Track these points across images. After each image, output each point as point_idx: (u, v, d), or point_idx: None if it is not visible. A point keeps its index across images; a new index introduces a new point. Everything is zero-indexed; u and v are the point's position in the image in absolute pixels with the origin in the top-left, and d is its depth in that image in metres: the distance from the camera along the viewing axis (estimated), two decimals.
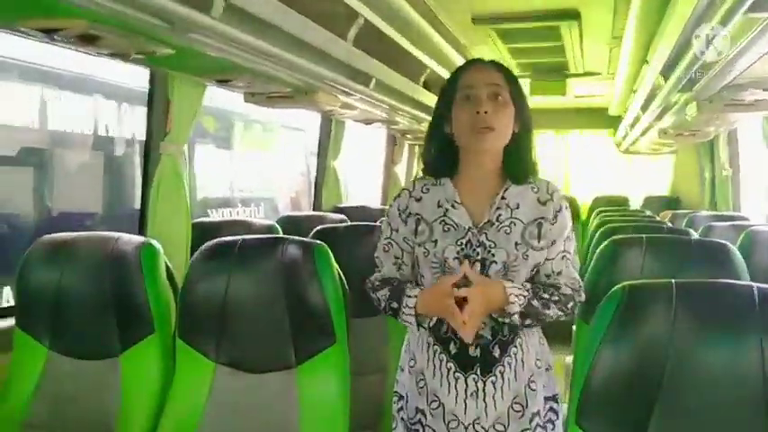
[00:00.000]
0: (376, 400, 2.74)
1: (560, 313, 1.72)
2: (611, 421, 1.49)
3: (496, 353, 1.70)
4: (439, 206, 1.76)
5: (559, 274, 1.76)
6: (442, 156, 1.79)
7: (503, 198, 1.73)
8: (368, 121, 4.90)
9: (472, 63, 1.79)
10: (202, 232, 3.30)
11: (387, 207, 5.53)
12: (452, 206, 1.74)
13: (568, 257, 1.77)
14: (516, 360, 1.72)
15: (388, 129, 5.98)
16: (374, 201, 6.98)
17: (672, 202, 8.31)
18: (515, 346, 1.72)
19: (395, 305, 1.76)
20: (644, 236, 2.47)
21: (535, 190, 1.75)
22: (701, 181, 7.31)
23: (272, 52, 2.50)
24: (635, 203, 8.88)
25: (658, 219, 5.26)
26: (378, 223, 3.99)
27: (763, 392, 1.36)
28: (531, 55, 4.89)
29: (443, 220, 1.74)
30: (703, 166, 7.09)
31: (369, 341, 2.73)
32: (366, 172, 7.86)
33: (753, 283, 1.46)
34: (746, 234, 3.22)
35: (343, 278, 2.22)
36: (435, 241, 1.73)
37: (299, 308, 2.15)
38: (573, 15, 3.75)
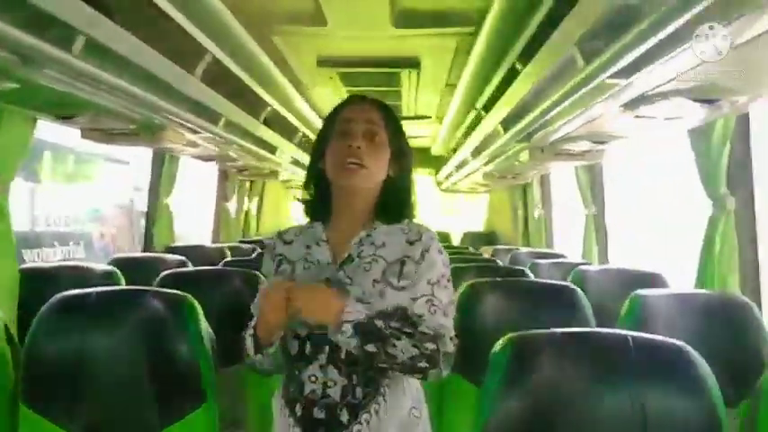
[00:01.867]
0: None
1: (415, 352, 1.50)
2: None
3: (344, 417, 1.54)
4: (306, 246, 1.68)
5: (420, 317, 1.57)
6: (318, 196, 1.72)
7: (368, 235, 1.65)
8: (207, 158, 4.75)
9: (352, 99, 1.71)
10: (32, 280, 3.01)
11: (222, 245, 5.43)
12: (317, 244, 1.67)
13: (435, 304, 1.58)
14: (369, 429, 1.55)
15: (221, 164, 5.83)
16: (200, 236, 6.77)
17: (488, 237, 8.89)
18: (369, 413, 1.55)
19: (249, 342, 1.61)
20: (498, 279, 2.59)
21: (406, 231, 1.66)
22: (515, 218, 7.89)
23: (127, 89, 2.36)
24: (455, 238, 9.39)
25: (487, 256, 5.56)
26: (221, 267, 3.88)
27: None
28: None
29: (305, 258, 1.66)
30: (517, 204, 7.66)
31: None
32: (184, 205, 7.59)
33: (627, 332, 1.59)
34: (576, 272, 3.52)
35: (213, 336, 2.12)
36: (293, 280, 1.62)
37: (165, 366, 2.01)
38: (414, 63, 3.91)
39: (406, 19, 3.00)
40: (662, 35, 1.50)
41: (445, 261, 1.66)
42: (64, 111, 2.66)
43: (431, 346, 1.52)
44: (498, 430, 1.56)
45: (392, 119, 1.69)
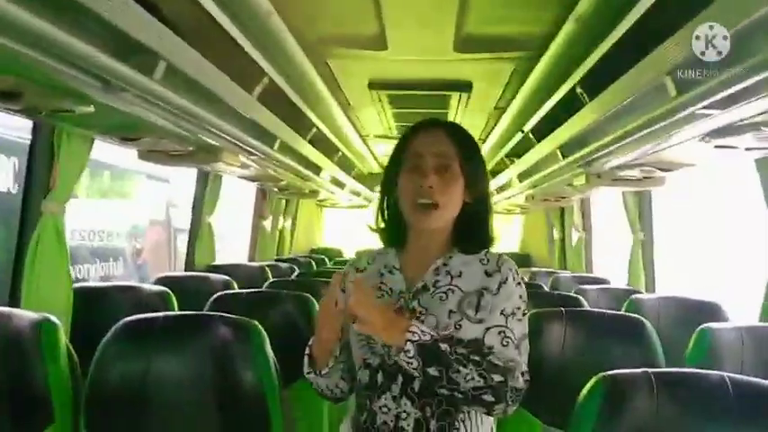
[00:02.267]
0: None
1: (480, 383, 1.43)
2: None
3: None
4: (379, 273, 1.64)
5: (491, 348, 1.51)
6: (391, 224, 1.68)
7: (444, 264, 1.60)
8: (254, 179, 4.74)
9: (422, 126, 1.63)
10: (84, 299, 3.00)
11: (262, 263, 5.42)
12: (390, 272, 1.63)
13: (508, 336, 1.52)
14: None
15: (260, 183, 5.84)
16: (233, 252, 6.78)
17: (523, 259, 8.79)
18: None
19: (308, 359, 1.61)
20: (563, 309, 2.52)
21: (484, 261, 1.60)
22: (551, 240, 7.79)
23: (194, 111, 2.35)
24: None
25: (537, 283, 5.47)
26: (267, 287, 3.85)
27: None
28: (414, 118, 4.93)
29: (379, 287, 1.61)
30: (553, 226, 7.57)
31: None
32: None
33: (723, 373, 1.53)
34: (631, 301, 3.44)
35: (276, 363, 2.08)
36: None
37: (231, 394, 1.98)
38: (466, 87, 3.87)
39: (468, 44, 2.96)
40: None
41: (523, 294, 1.60)
42: (128, 133, 2.66)
43: (498, 378, 1.45)
44: None
45: (465, 143, 1.62)
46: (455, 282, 1.57)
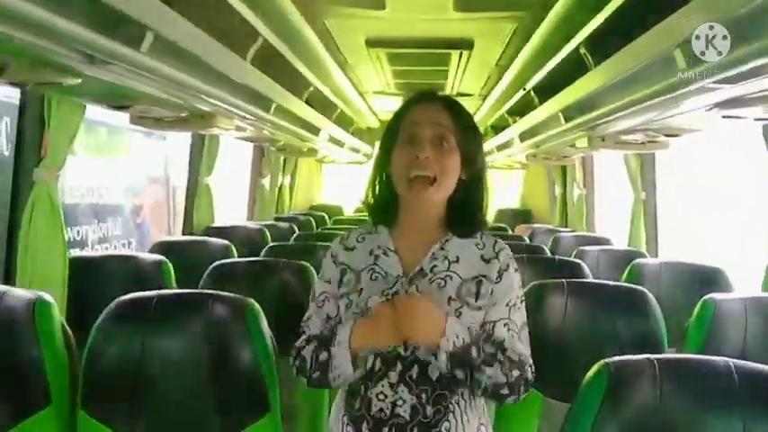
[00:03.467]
0: None
1: (502, 380, 1.46)
2: None
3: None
4: (371, 254, 1.59)
5: (502, 342, 1.53)
6: (381, 200, 1.62)
7: (441, 248, 1.57)
8: (252, 140, 4.67)
9: (419, 98, 1.58)
10: (80, 269, 2.97)
11: (260, 223, 5.37)
12: (384, 253, 1.58)
13: (512, 328, 1.55)
14: None
15: (260, 143, 5.76)
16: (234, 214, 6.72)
17: (523, 215, 8.75)
18: (437, 428, 1.49)
19: (323, 356, 1.52)
20: (564, 281, 2.48)
21: (480, 246, 1.58)
22: (551, 196, 7.73)
23: (183, 80, 2.26)
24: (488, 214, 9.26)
25: (535, 243, 5.45)
26: (266, 254, 3.81)
27: None
28: (413, 76, 4.88)
29: (372, 269, 1.57)
30: (554, 182, 7.49)
31: None
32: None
33: (728, 360, 1.50)
34: (633, 266, 3.41)
35: (273, 339, 2.04)
36: (360, 290, 1.55)
37: (228, 374, 1.95)
38: (467, 45, 3.76)
39: (469, 1, 2.86)
40: None
41: (519, 280, 1.60)
42: (118, 101, 2.59)
43: (516, 373, 1.48)
44: None
45: (463, 119, 1.57)
46: (453, 267, 1.55)
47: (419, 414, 1.49)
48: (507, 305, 1.55)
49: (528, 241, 5.37)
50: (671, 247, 5.04)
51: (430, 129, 1.51)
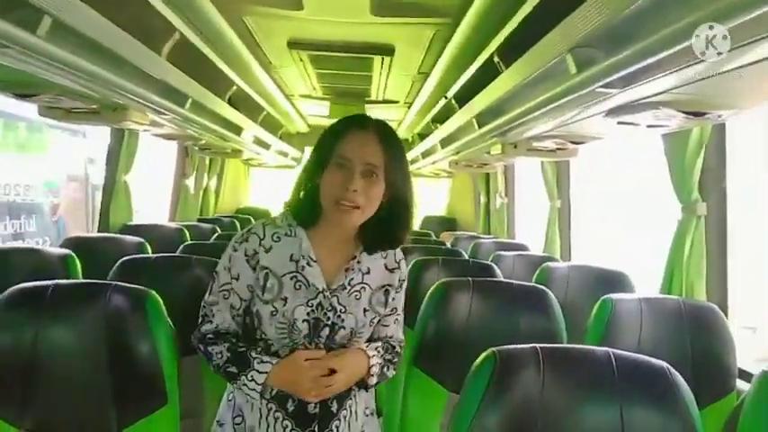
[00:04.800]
0: None
1: (394, 372, 1.81)
2: None
3: (334, 407, 1.69)
4: (292, 259, 1.66)
5: (391, 337, 1.83)
6: (306, 204, 1.68)
7: (358, 262, 1.71)
8: (169, 137, 4.59)
9: (353, 124, 1.64)
10: None
11: (181, 224, 5.29)
12: (308, 264, 1.66)
13: (399, 320, 1.85)
14: (350, 412, 1.73)
15: (182, 142, 5.68)
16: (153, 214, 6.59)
17: (449, 223, 8.88)
18: (350, 398, 1.73)
19: (233, 370, 1.64)
20: (470, 279, 2.55)
21: (384, 256, 1.75)
22: (476, 205, 7.89)
23: (91, 70, 2.22)
24: (415, 221, 9.36)
25: (448, 243, 5.54)
26: (181, 251, 3.76)
27: None
28: (338, 80, 4.91)
29: (295, 276, 1.65)
30: (479, 191, 7.65)
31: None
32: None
33: (609, 349, 1.57)
34: (543, 269, 3.51)
35: (176, 333, 2.03)
36: (285, 299, 1.64)
37: (125, 365, 1.93)
38: (388, 50, 3.82)
39: (384, 7, 2.91)
40: (662, 51, 1.46)
41: (406, 270, 1.84)
42: (23, 89, 2.51)
43: (398, 359, 1.82)
44: None
45: (393, 151, 1.64)
46: (365, 279, 1.71)
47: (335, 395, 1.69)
48: (399, 304, 1.83)
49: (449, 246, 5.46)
50: (586, 254, 5.20)
51: (361, 165, 1.58)
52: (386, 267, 1.75)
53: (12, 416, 1.88)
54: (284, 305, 1.62)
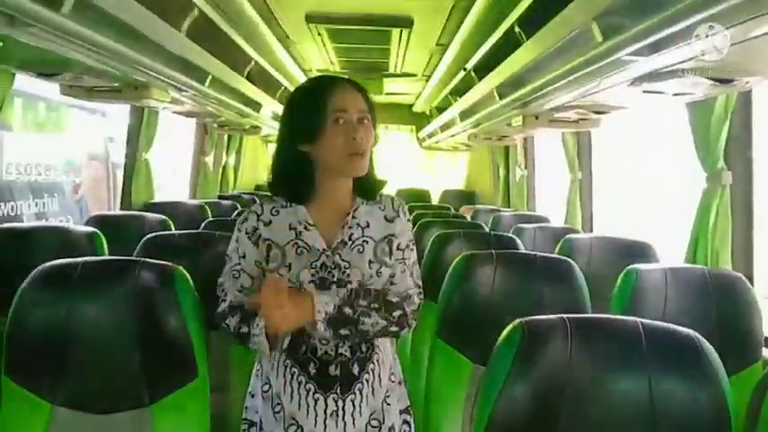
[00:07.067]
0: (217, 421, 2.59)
1: (385, 323, 1.70)
2: None
3: (356, 370, 1.72)
4: (291, 228, 1.73)
5: (393, 277, 1.78)
6: (297, 179, 1.73)
7: (353, 217, 1.76)
8: (189, 114, 4.60)
9: (340, 86, 1.72)
10: (11, 241, 2.91)
11: (202, 201, 5.32)
12: (305, 228, 1.73)
13: (407, 265, 1.81)
14: (374, 376, 1.75)
15: (201, 119, 5.68)
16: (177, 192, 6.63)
17: (468, 197, 8.85)
18: (373, 363, 1.75)
19: (244, 329, 1.68)
20: (493, 251, 2.55)
21: (382, 207, 1.80)
22: (495, 178, 7.85)
23: (113, 47, 2.23)
24: (434, 195, 9.35)
25: (468, 217, 5.53)
26: (204, 228, 3.79)
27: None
28: (356, 54, 4.90)
29: (296, 243, 1.72)
30: (498, 164, 7.61)
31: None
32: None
33: (637, 319, 1.56)
34: (565, 241, 3.50)
35: (204, 309, 2.05)
36: (289, 265, 1.70)
37: (155, 340, 1.95)
38: (406, 22, 3.79)
39: None
40: (691, 17, 1.43)
41: (410, 225, 1.85)
42: (46, 68, 2.53)
43: (398, 312, 1.73)
44: (507, 415, 1.54)
45: (370, 101, 1.75)
46: (365, 233, 1.75)
47: (358, 351, 1.73)
48: (399, 248, 1.79)
49: (469, 219, 5.45)
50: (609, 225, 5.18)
51: (356, 113, 1.69)
52: (385, 219, 1.78)
53: (44, 391, 1.91)
54: (289, 271, 1.69)
